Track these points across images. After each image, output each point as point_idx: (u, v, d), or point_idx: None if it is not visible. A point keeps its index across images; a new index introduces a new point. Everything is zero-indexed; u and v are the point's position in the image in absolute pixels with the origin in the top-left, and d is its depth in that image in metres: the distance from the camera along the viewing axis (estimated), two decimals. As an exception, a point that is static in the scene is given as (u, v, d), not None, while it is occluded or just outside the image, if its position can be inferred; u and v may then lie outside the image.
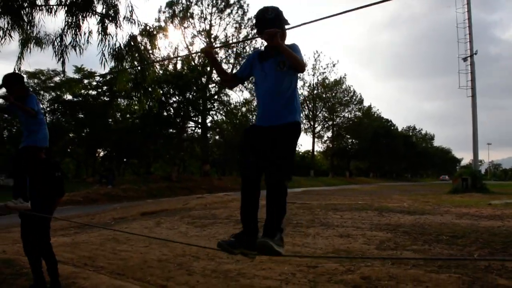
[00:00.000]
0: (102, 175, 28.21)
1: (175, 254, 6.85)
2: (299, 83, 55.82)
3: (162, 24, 33.84)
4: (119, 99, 33.63)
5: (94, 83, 33.90)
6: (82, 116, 34.26)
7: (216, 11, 35.55)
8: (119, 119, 37.04)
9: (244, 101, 38.16)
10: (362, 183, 47.79)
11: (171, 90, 33.59)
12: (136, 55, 7.85)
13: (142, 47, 8.01)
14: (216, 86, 36.52)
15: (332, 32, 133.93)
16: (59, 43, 7.56)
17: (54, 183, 4.89)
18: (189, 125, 38.43)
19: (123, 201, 21.41)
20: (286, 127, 2.91)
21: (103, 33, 7.61)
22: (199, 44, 35.23)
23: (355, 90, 61.19)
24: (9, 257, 6.34)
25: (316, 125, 58.17)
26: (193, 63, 34.77)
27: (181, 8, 34.99)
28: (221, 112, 38.03)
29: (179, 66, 35.09)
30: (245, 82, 34.71)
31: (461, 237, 7.56)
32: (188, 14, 35.04)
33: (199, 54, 34.24)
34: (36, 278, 4.79)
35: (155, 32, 8.86)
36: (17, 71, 7.75)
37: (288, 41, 3.07)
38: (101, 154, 39.41)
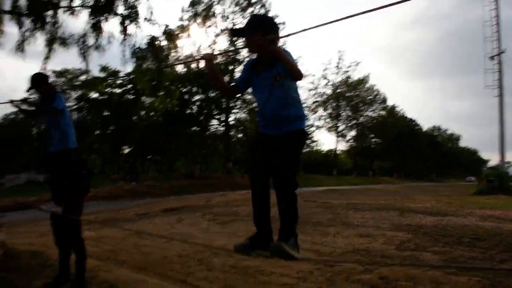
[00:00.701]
0: (126, 172, 28.65)
1: (195, 250, 6.95)
2: (322, 82, 55.87)
3: (185, 23, 34.21)
4: (142, 97, 34.07)
5: (119, 81, 34.46)
6: (107, 114, 34.84)
7: (239, 10, 35.66)
8: (143, 117, 37.51)
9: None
10: (386, 183, 47.19)
11: (193, 88, 33.86)
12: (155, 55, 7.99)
13: (162, 47, 8.15)
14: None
15: (356, 31, 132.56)
16: (81, 44, 7.76)
17: (81, 181, 5.04)
18: (212, 123, 38.71)
19: (146, 198, 21.71)
20: (292, 136, 2.92)
21: (124, 34, 7.78)
22: (222, 42, 35.37)
23: (379, 89, 60.44)
24: (36, 249, 6.54)
25: (339, 124, 57.78)
26: (215, 62, 34.92)
27: (203, 7, 35.24)
28: (244, 110, 38.18)
29: (201, 65, 35.35)
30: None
31: (484, 239, 7.41)
32: (211, 13, 35.22)
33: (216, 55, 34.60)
34: (61, 270, 4.96)
35: (176, 33, 8.98)
36: (43, 71, 7.98)
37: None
38: (126, 151, 40.04)
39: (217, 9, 35.25)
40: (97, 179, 26.12)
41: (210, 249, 6.86)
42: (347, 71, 54.68)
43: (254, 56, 3.21)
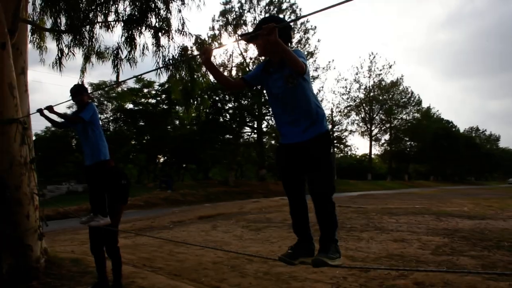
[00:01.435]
0: (162, 180, 29.06)
1: (229, 257, 7.04)
2: (355, 86, 55.29)
3: (216, 32, 34.67)
4: (177, 107, 34.63)
5: (153, 92, 35.16)
6: (142, 124, 35.57)
7: (269, 17, 35.83)
8: (177, 126, 38.09)
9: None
10: (422, 186, 46.15)
11: (226, 96, 34.21)
12: (187, 66, 8.19)
13: (193, 58, 8.32)
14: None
15: (388, 33, 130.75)
16: (114, 57, 8.02)
17: (120, 191, 5.21)
18: (245, 131, 38.90)
19: (181, 205, 22.01)
20: (314, 142, 2.82)
21: (156, 46, 8.01)
22: (253, 50, 35.61)
23: (413, 91, 59.30)
24: (77, 257, 6.76)
25: (373, 128, 56.99)
26: (247, 69, 35.22)
27: (234, 16, 35.65)
28: (274, 117, 38.16)
29: (233, 72, 35.69)
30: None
31: (525, 243, 7.23)
32: (241, 21, 35.57)
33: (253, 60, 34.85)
34: (100, 277, 5.15)
35: (208, 42, 9.16)
36: (80, 83, 8.29)
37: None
38: (161, 160, 40.73)
39: (248, 17, 35.56)
40: (133, 188, 26.70)
41: (243, 256, 6.94)
42: (379, 74, 54.08)
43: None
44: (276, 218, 12.65)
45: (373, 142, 57.87)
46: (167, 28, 7.78)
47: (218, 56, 33.75)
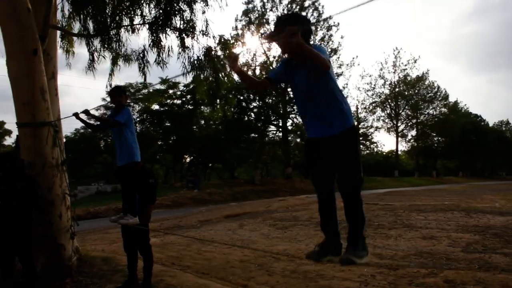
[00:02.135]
0: (189, 180, 29.30)
1: (257, 255, 7.07)
2: (379, 82, 54.58)
3: (239, 32, 34.78)
4: (202, 107, 34.89)
5: (179, 92, 35.49)
6: (168, 124, 35.95)
7: (292, 16, 35.73)
8: (203, 126, 38.35)
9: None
10: (451, 182, 45.23)
11: (251, 95, 34.27)
12: (210, 66, 8.27)
13: (217, 58, 8.41)
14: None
15: (413, 27, 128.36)
16: (141, 59, 8.17)
17: (148, 190, 5.32)
18: (270, 129, 38.87)
19: (208, 205, 22.17)
20: (341, 136, 2.82)
21: (182, 47, 8.11)
22: (276, 49, 35.54)
23: (439, 85, 57.94)
24: (107, 256, 6.91)
25: (399, 124, 56.09)
26: (271, 68, 35.21)
27: (256, 15, 35.65)
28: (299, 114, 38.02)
29: (257, 71, 35.70)
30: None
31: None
32: (264, 20, 35.56)
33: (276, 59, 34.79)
34: (130, 275, 5.27)
35: (232, 42, 9.23)
36: (108, 86, 8.49)
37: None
38: (188, 160, 41.10)
39: (270, 15, 35.52)
40: (160, 188, 27.06)
41: (270, 254, 6.96)
42: (404, 69, 53.21)
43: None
44: (302, 216, 12.63)
45: (399, 138, 56.99)
46: (191, 30, 7.87)
47: (241, 55, 33.84)
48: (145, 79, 8.49)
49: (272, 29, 3.04)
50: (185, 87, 34.01)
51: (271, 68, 35.23)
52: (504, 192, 21.42)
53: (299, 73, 2.92)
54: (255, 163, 36.27)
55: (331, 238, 2.97)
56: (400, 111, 55.78)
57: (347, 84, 45.59)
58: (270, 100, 35.36)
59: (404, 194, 23.34)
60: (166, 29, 7.80)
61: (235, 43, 9.31)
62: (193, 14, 8.08)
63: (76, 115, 5.13)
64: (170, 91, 34.96)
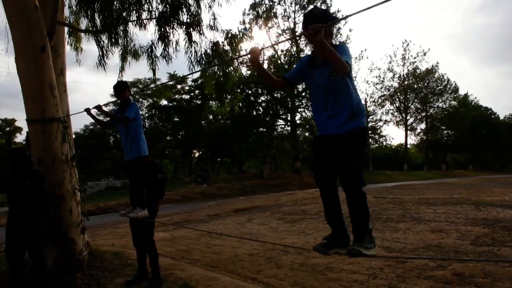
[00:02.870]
0: (198, 174, 29.38)
1: (265, 249, 7.11)
2: (388, 75, 54.15)
3: (247, 26, 34.73)
4: (210, 102, 34.93)
5: (187, 87, 35.58)
6: (177, 119, 36.04)
7: (299, 9, 35.61)
8: (211, 120, 38.41)
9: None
10: (460, 176, 44.91)
11: (259, 90, 34.22)
12: (218, 60, 8.27)
13: (224, 52, 8.41)
14: (303, 83, 36.52)
15: (422, 21, 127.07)
16: (149, 54, 8.19)
17: (157, 185, 5.37)
18: (279, 123, 38.82)
19: (217, 199, 22.26)
20: (352, 135, 2.85)
21: (189, 42, 8.12)
22: (285, 43, 35.46)
23: (449, 78, 57.38)
24: (117, 250, 6.99)
25: (408, 117, 55.71)
26: (279, 62, 35.15)
27: (264, 9, 35.56)
28: (309, 109, 37.96)
29: (265, 66, 35.64)
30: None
31: None
32: (272, 14, 35.47)
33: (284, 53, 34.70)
34: (140, 268, 5.33)
35: (239, 36, 9.21)
36: (122, 80, 8.54)
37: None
38: (196, 154, 41.21)
39: (278, 9, 35.40)
40: (169, 183, 27.16)
41: (279, 248, 6.99)
42: (414, 62, 52.78)
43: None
44: (311, 210, 12.64)
45: (408, 132, 56.62)
46: (198, 24, 7.88)
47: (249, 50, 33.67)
48: (154, 74, 8.51)
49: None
50: (193, 82, 34.08)
51: (279, 62, 35.17)
52: (515, 185, 21.26)
53: (321, 72, 2.95)
54: (264, 157, 36.25)
55: (338, 230, 2.99)
56: (409, 104, 55.38)
57: (355, 77, 45.08)
58: (278, 95, 35.34)
59: (413, 187, 23.24)
60: (173, 23, 7.81)
61: (243, 38, 9.26)
62: (199, 8, 8.09)
63: (87, 110, 5.17)
64: (179, 86, 35.03)
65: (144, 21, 8.00)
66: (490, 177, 40.33)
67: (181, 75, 32.36)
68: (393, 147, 63.15)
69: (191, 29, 7.91)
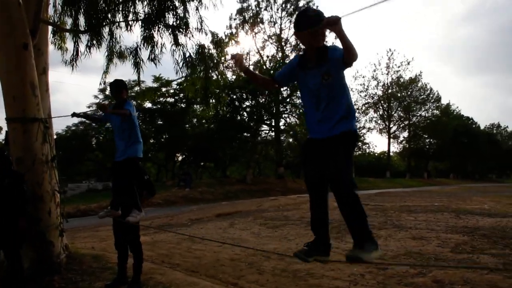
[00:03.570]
0: (181, 178, 29.23)
1: (247, 254, 7.07)
2: (373, 83, 54.71)
3: (234, 31, 34.77)
4: (194, 106, 34.80)
5: (172, 91, 35.39)
6: (161, 122, 35.84)
7: (286, 15, 35.79)
8: (195, 124, 38.28)
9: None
10: (442, 184, 45.43)
11: (243, 94, 34.24)
12: (204, 64, 8.27)
13: (210, 56, 8.41)
14: (288, 89, 36.70)
15: (407, 30, 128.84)
16: (134, 56, 8.13)
17: (146, 185, 5.31)
18: (263, 129, 38.85)
19: (199, 203, 22.13)
20: (341, 138, 2.82)
21: (175, 44, 8.09)
22: (270, 48, 35.59)
23: (432, 87, 58.25)
24: (97, 253, 6.88)
25: (391, 125, 56.30)
26: (264, 67, 35.24)
27: (251, 14, 35.65)
28: (293, 115, 38.14)
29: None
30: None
31: (548, 241, 7.08)
32: (258, 19, 35.58)
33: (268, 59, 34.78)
34: (120, 272, 5.25)
35: (226, 40, 9.21)
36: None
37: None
38: (180, 158, 40.99)
39: (265, 15, 35.54)
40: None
41: (261, 253, 6.96)
42: (398, 71, 53.48)
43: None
44: (293, 215, 12.64)
45: (391, 140, 57.24)
46: (185, 27, 7.86)
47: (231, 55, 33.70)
48: (139, 77, 8.45)
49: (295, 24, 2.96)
50: (178, 86, 33.93)
51: (264, 68, 35.25)
52: (493, 194, 21.56)
53: (313, 73, 2.92)
54: (247, 162, 36.23)
55: (321, 238, 2.96)
56: (393, 113, 56.01)
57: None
58: (263, 100, 35.41)
59: (395, 195, 23.41)
60: (159, 25, 7.77)
61: (229, 42, 9.27)
62: (186, 11, 8.06)
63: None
64: (163, 89, 34.84)
65: (130, 22, 7.95)
66: (471, 185, 40.90)
67: (166, 78, 32.21)
68: (376, 154, 63.79)
69: (178, 31, 7.89)
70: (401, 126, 57.95)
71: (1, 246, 4.72)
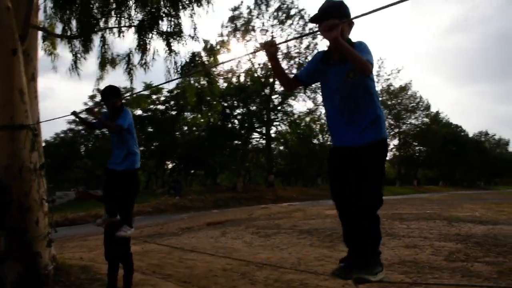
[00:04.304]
0: (170, 186, 29.10)
1: (239, 264, 6.96)
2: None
3: (225, 38, 34.73)
4: (185, 113, 34.73)
5: (162, 98, 35.27)
6: (151, 130, 35.68)
7: (277, 23, 35.85)
8: (186, 132, 38.18)
9: (307, 111, 38.29)
10: (431, 191, 45.72)
11: (235, 102, 34.23)
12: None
13: (202, 64, 8.36)
14: (280, 97, 36.75)
15: (398, 38, 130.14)
16: (127, 63, 8.04)
17: (135, 195, 5.20)
18: (254, 136, 38.88)
19: (190, 211, 21.96)
20: (371, 148, 2.56)
21: (168, 51, 8.01)
22: (261, 57, 35.57)
23: (422, 96, 58.83)
24: (85, 264, 6.70)
25: (381, 133, 56.56)
26: (255, 75, 35.26)
27: (242, 22, 35.66)
28: (284, 123, 38.20)
29: (242, 79, 35.71)
30: (306, 91, 34.17)
31: (540, 248, 7.08)
32: (250, 27, 35.59)
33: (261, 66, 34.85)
34: (110, 283, 5.09)
35: (218, 47, 9.18)
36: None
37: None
38: (170, 166, 40.84)
39: (256, 23, 35.58)
40: (142, 194, 26.73)
41: (253, 263, 6.86)
42: (388, 79, 53.88)
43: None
44: (285, 224, 12.55)
45: (381, 148, 57.44)
46: (178, 34, 7.79)
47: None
48: (131, 83, 8.37)
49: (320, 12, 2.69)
50: (169, 93, 33.82)
51: (255, 75, 35.26)
52: (483, 201, 21.67)
53: (336, 70, 2.64)
54: (238, 170, 36.16)
55: (355, 252, 2.72)
56: (383, 121, 56.27)
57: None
58: (254, 108, 35.42)
59: (386, 202, 23.16)
60: (152, 32, 7.69)
61: (220, 49, 9.25)
62: (179, 18, 8.00)
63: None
64: (154, 97, 34.72)
65: (123, 28, 7.86)
66: (460, 193, 41.20)
67: (157, 84, 32.11)
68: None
69: (172, 38, 7.81)
70: (391, 134, 58.33)
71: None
